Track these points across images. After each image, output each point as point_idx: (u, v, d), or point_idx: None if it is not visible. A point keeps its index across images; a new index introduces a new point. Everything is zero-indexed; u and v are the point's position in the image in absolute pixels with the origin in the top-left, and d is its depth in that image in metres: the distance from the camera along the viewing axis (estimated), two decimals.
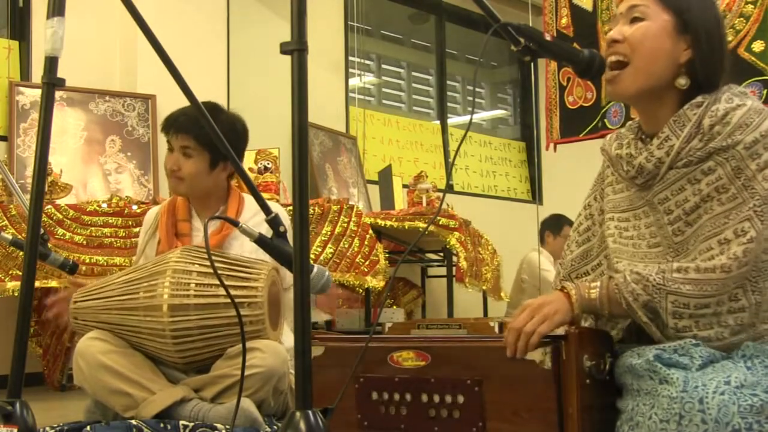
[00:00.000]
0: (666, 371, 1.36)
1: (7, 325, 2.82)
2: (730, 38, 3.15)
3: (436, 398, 1.52)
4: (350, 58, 5.85)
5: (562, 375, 1.42)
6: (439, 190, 5.28)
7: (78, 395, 3.20)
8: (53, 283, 3.47)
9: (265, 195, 3.76)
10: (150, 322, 2.26)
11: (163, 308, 2.24)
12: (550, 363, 1.43)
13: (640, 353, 1.43)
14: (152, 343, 2.29)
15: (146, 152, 4.67)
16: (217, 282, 2.23)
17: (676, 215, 1.52)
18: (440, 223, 4.37)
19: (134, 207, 3.70)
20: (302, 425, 1.11)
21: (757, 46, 3.09)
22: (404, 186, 5.40)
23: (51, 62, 1.53)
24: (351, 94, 5.83)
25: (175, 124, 2.53)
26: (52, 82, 1.54)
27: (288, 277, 2.39)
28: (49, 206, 3.58)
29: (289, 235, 1.34)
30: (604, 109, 3.57)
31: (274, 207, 2.55)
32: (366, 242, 3.91)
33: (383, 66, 6.66)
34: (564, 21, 3.75)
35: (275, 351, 2.25)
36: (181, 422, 2.14)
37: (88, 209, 3.65)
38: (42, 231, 1.73)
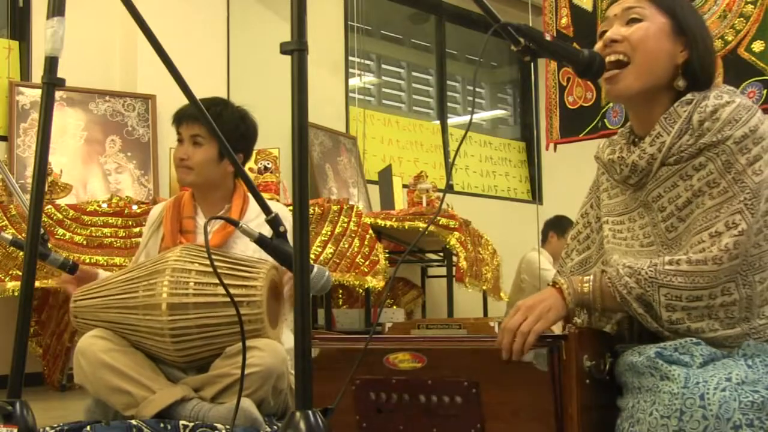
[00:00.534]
0: (667, 368, 1.37)
1: (7, 325, 2.82)
2: (730, 38, 3.15)
3: (434, 399, 1.51)
4: (350, 58, 5.85)
5: (561, 375, 1.42)
6: (439, 190, 5.28)
7: (78, 395, 3.20)
8: (53, 283, 3.47)
9: (265, 195, 3.76)
10: (149, 320, 2.26)
11: (162, 307, 2.24)
12: (546, 365, 1.42)
13: (640, 351, 1.44)
14: (151, 341, 2.29)
15: (146, 152, 4.67)
16: (216, 281, 2.23)
17: (669, 212, 1.54)
18: (440, 223, 4.37)
19: (134, 207, 3.71)
20: (302, 425, 1.11)
21: (757, 46, 3.09)
22: (404, 186, 5.40)
23: (51, 62, 1.54)
24: (351, 94, 5.83)
25: (185, 114, 2.57)
26: (52, 82, 1.54)
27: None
28: (49, 206, 3.59)
29: (290, 235, 1.34)
30: (604, 109, 3.57)
31: (277, 207, 2.56)
32: (366, 242, 3.91)
33: (383, 66, 6.65)
34: (564, 21, 3.75)
35: (274, 350, 2.25)
36: (181, 422, 2.14)
37: (88, 209, 3.65)
38: (42, 231, 1.73)
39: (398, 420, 1.55)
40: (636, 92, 1.59)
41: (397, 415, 1.56)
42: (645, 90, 1.58)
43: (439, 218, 4.34)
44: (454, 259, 4.56)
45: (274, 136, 3.97)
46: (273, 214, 1.55)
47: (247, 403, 2.14)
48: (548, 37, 1.54)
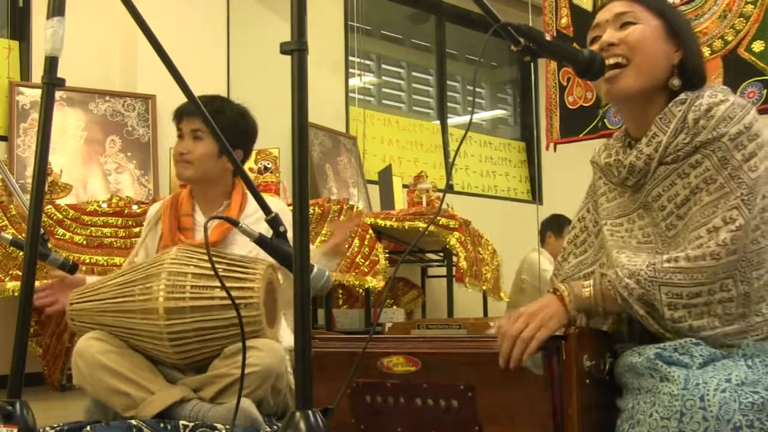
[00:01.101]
0: (667, 369, 1.37)
1: (7, 325, 2.82)
2: (730, 38, 3.15)
3: (430, 403, 1.51)
4: (350, 58, 5.85)
5: (561, 375, 1.42)
6: (439, 190, 5.28)
7: (78, 395, 3.20)
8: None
9: (264, 195, 3.76)
10: (147, 324, 2.26)
11: (159, 311, 2.24)
12: (542, 369, 1.42)
13: (640, 352, 1.44)
14: (150, 344, 2.29)
15: (146, 152, 4.67)
16: (213, 283, 2.23)
17: (669, 210, 1.55)
18: (440, 223, 4.37)
19: (134, 207, 3.71)
20: (302, 425, 1.11)
21: (757, 46, 3.09)
22: (404, 186, 5.40)
23: (51, 62, 1.53)
24: (351, 94, 5.83)
25: (185, 109, 2.57)
26: (52, 82, 1.54)
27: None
28: (49, 206, 3.58)
29: (290, 235, 1.34)
30: (604, 109, 3.57)
31: (277, 204, 2.56)
32: (366, 242, 3.91)
33: (383, 66, 6.65)
34: (564, 21, 3.75)
35: (272, 349, 2.25)
36: (181, 422, 2.14)
37: (88, 209, 3.65)
38: (42, 231, 1.73)
39: (395, 423, 1.55)
40: (636, 92, 1.59)
41: (394, 418, 1.55)
42: (644, 90, 1.59)
43: (439, 218, 4.34)
44: (454, 259, 4.56)
45: (274, 136, 3.97)
46: (273, 214, 1.55)
47: (246, 403, 2.14)
48: (548, 37, 1.54)
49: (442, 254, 4.91)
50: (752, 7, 3.11)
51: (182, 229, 2.55)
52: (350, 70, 5.88)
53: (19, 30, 4.53)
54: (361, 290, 4.07)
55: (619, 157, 1.62)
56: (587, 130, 3.67)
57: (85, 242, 3.59)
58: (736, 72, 3.10)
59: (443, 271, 4.86)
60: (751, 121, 1.49)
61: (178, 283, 2.26)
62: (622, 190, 1.66)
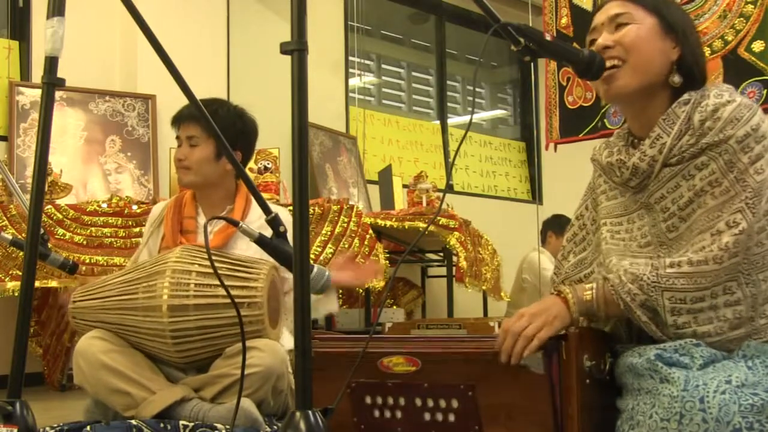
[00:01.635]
0: (667, 370, 1.36)
1: (7, 325, 2.82)
2: (730, 38, 3.15)
3: (431, 402, 1.51)
4: (350, 58, 5.85)
5: (561, 375, 1.42)
6: (439, 190, 5.28)
7: (78, 395, 3.20)
8: (53, 283, 3.47)
9: (264, 195, 3.76)
10: (149, 322, 2.26)
11: (162, 309, 2.24)
12: (542, 368, 1.42)
13: (640, 353, 1.43)
14: (152, 342, 2.29)
15: (146, 152, 4.67)
16: (217, 282, 2.23)
17: (672, 212, 1.54)
18: (440, 223, 4.37)
19: (134, 207, 3.70)
20: (302, 425, 1.11)
21: (757, 46, 3.09)
22: (404, 186, 5.40)
23: (51, 62, 1.54)
24: (351, 94, 5.83)
25: (182, 115, 2.59)
26: (52, 82, 1.54)
27: (289, 280, 2.39)
28: (49, 206, 3.58)
29: (290, 235, 1.34)
30: (604, 109, 3.57)
31: (276, 209, 2.56)
32: (366, 242, 3.91)
33: (383, 66, 6.65)
34: (564, 21, 3.75)
35: (274, 350, 2.25)
36: (181, 422, 2.14)
37: (88, 209, 3.65)
38: (42, 231, 1.73)
39: (395, 423, 1.55)
40: (633, 90, 1.58)
41: (394, 418, 1.55)
42: (642, 88, 1.58)
43: (439, 218, 4.34)
44: (454, 259, 4.55)
45: (274, 136, 3.97)
46: (273, 214, 1.55)
47: (247, 403, 2.14)
48: (548, 37, 1.54)
49: (442, 254, 4.91)
50: (752, 7, 3.11)
51: (184, 232, 2.55)
52: (350, 70, 5.88)
53: (19, 30, 4.53)
54: (361, 290, 4.07)
55: (621, 157, 1.61)
56: (587, 130, 3.67)
57: (85, 242, 3.59)
58: (736, 72, 3.09)
59: (443, 271, 4.85)
60: (758, 122, 1.48)
61: (183, 281, 2.26)
62: (623, 190, 1.65)
